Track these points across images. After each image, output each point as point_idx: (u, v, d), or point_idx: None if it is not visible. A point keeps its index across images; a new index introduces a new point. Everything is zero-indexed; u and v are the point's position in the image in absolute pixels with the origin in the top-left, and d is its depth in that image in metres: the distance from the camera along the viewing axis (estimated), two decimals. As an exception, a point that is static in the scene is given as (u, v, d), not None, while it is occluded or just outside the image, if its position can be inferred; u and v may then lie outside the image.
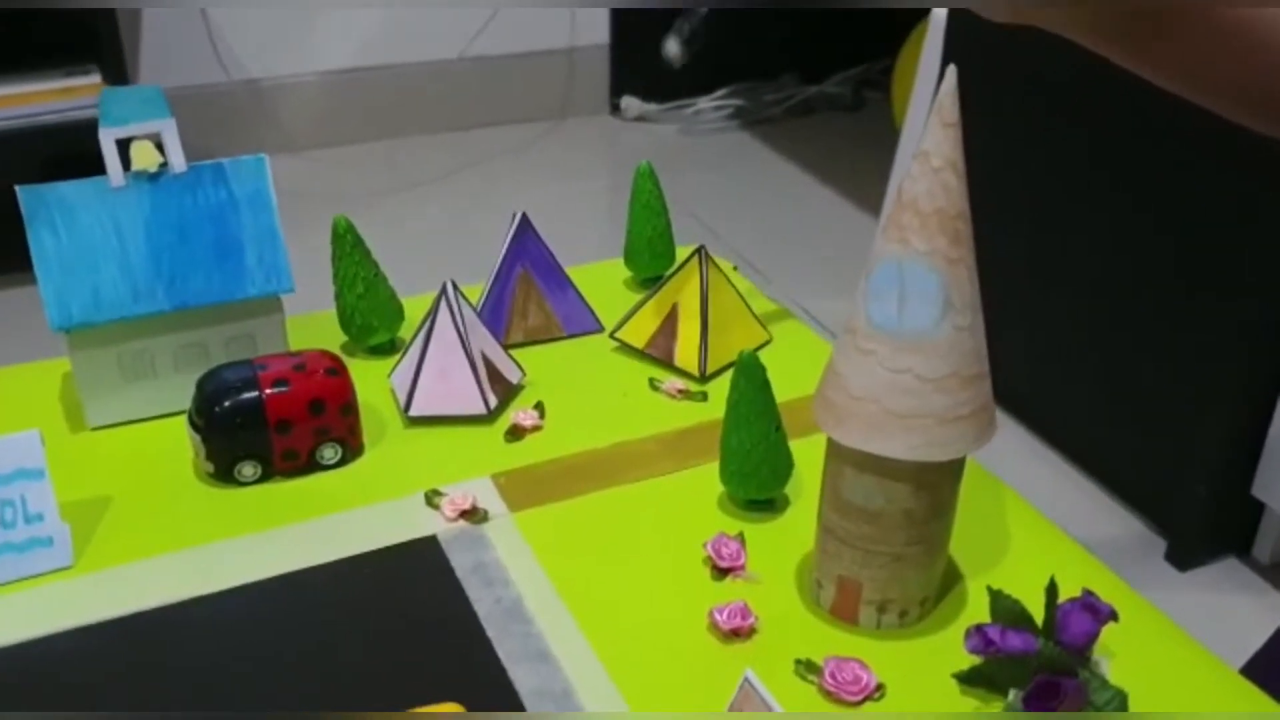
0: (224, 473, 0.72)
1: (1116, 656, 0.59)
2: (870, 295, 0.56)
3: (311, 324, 0.87)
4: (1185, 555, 1.62)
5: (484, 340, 0.79)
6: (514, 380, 0.81)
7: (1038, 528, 0.70)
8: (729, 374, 0.82)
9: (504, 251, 0.86)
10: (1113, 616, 0.56)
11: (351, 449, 0.75)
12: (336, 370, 0.73)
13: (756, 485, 0.68)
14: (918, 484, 0.58)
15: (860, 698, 0.57)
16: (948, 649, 0.60)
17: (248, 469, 0.72)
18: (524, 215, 0.87)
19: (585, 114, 3.03)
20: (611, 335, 0.86)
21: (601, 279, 0.95)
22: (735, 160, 2.89)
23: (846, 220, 2.65)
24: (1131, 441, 1.69)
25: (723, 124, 2.99)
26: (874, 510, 0.58)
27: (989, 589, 0.58)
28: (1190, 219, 1.52)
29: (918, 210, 0.54)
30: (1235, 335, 1.49)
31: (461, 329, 0.77)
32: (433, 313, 0.78)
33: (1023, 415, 1.83)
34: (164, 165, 0.76)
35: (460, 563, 0.66)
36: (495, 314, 0.86)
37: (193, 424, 0.72)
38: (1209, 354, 1.54)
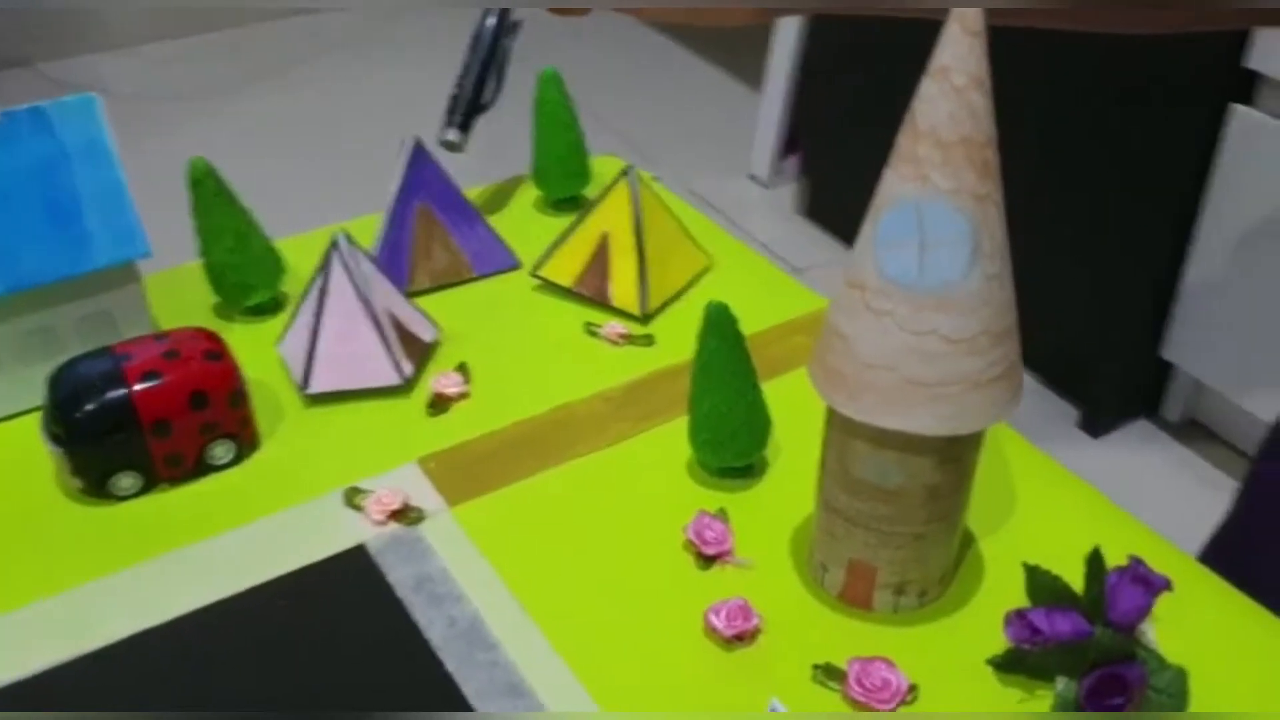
0: (96, 487, 0.60)
1: (1161, 621, 0.53)
2: (881, 243, 0.46)
3: (174, 283, 0.74)
4: (1098, 422, 1.61)
5: (388, 296, 0.68)
6: (427, 338, 0.70)
7: (1052, 477, 0.63)
8: (672, 312, 0.74)
9: (398, 185, 0.74)
10: (1166, 587, 0.49)
11: (246, 443, 0.63)
12: (217, 353, 0.61)
13: (734, 452, 0.59)
14: (942, 457, 0.49)
15: (893, 704, 0.50)
16: (974, 630, 0.53)
17: (125, 481, 0.60)
18: (417, 140, 0.74)
19: (433, -11, 2.83)
20: (533, 274, 0.75)
21: (507, 203, 0.83)
22: (603, 32, 2.73)
23: (724, 91, 2.54)
24: (1042, 314, 1.66)
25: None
26: (892, 489, 0.50)
27: (1025, 565, 0.51)
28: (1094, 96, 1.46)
29: (938, 140, 0.44)
30: (1147, 206, 1.45)
31: (360, 287, 0.65)
32: (323, 271, 0.66)
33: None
34: (-30, 115, 0.62)
35: (399, 578, 0.56)
36: (395, 259, 0.74)
37: (49, 433, 0.59)
38: (1119, 222, 1.49)
